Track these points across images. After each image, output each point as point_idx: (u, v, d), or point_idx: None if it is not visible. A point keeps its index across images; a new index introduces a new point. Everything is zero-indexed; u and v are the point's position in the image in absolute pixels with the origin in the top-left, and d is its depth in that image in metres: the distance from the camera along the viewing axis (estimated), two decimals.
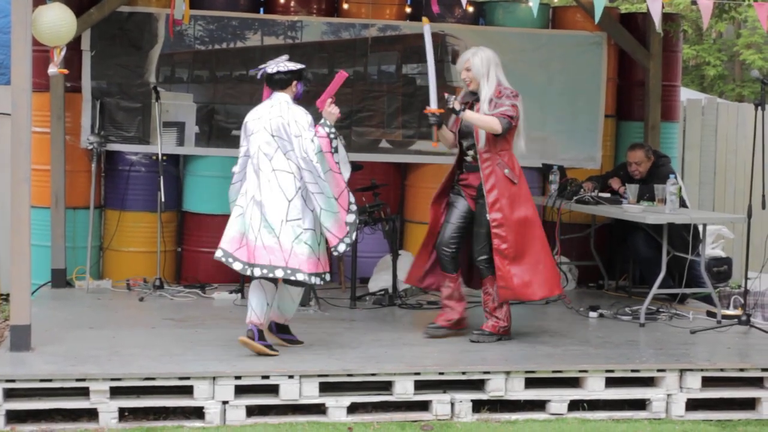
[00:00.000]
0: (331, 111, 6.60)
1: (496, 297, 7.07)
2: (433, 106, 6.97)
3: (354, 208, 6.62)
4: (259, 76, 6.71)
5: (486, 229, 7.00)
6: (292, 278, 6.48)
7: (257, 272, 6.48)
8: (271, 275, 6.47)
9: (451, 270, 7.18)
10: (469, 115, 6.92)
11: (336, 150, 6.56)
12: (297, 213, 6.49)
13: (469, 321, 7.31)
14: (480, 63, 6.98)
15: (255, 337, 6.50)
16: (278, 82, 6.65)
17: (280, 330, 6.84)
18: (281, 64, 6.66)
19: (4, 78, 9.61)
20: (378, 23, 9.36)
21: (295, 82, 6.67)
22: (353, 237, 6.62)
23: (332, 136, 6.54)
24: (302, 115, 6.56)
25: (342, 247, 6.57)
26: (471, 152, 7.11)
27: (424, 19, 7.07)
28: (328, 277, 6.71)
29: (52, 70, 6.72)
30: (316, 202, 6.52)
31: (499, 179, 6.98)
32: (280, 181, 6.50)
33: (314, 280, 6.54)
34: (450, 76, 9.44)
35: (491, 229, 6.97)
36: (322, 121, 6.56)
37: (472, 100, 7.08)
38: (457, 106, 6.89)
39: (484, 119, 6.91)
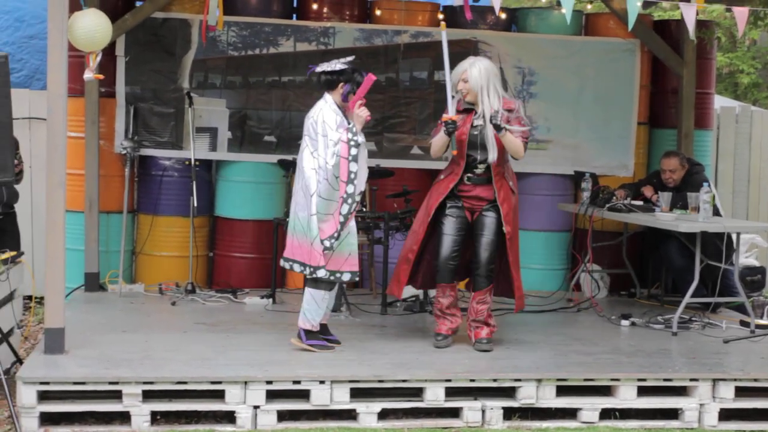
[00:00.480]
0: (360, 114, 6.60)
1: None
2: (451, 113, 6.91)
3: (342, 219, 6.62)
4: (308, 75, 6.74)
5: (497, 238, 6.98)
6: (314, 275, 6.64)
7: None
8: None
9: (451, 280, 7.12)
10: (509, 136, 6.87)
11: (353, 159, 6.55)
12: (316, 209, 6.60)
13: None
14: (478, 74, 6.90)
15: (303, 339, 6.77)
16: (325, 82, 6.71)
17: (310, 336, 6.86)
18: (332, 64, 6.69)
19: (40, 83, 9.71)
20: (410, 29, 9.37)
21: (342, 84, 6.68)
22: (334, 245, 6.62)
23: (352, 143, 6.54)
24: (331, 115, 6.59)
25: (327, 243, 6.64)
26: (483, 165, 7.02)
27: (442, 24, 7.06)
28: (351, 276, 6.77)
29: (88, 75, 6.77)
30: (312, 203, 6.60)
31: (507, 192, 7.00)
32: (308, 179, 6.60)
33: (335, 277, 6.66)
34: None
35: (506, 240, 6.96)
36: (350, 125, 6.58)
37: (464, 108, 6.99)
38: (503, 124, 6.84)
39: (517, 144, 6.91)
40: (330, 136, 6.54)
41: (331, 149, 6.52)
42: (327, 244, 6.60)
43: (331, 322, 7.23)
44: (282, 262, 6.87)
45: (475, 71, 6.90)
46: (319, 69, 6.70)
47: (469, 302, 7.15)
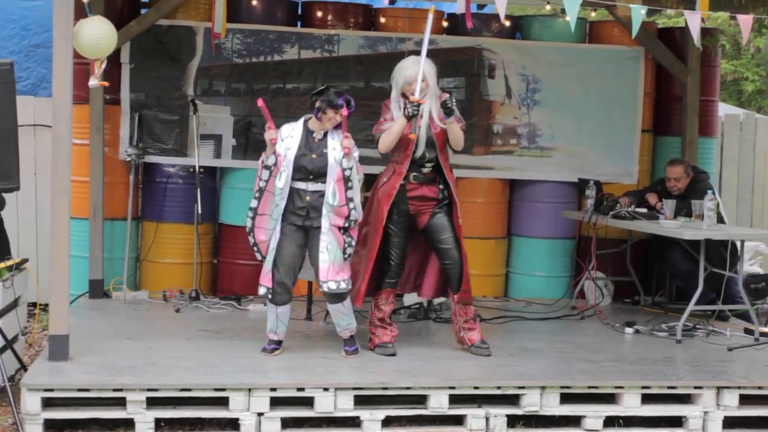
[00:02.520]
0: (266, 137, 6.86)
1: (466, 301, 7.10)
2: (417, 96, 6.85)
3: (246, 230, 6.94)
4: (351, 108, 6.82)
5: (453, 234, 7.01)
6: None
7: None
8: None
9: (396, 285, 7.20)
10: (455, 125, 6.92)
11: (260, 178, 6.93)
12: None
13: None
14: (432, 71, 6.93)
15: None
16: (310, 104, 6.97)
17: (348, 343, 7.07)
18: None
19: (46, 92, 9.72)
20: (415, 37, 9.37)
21: (316, 102, 6.84)
22: (257, 254, 6.97)
23: (264, 163, 6.87)
24: (283, 130, 6.97)
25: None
26: (431, 164, 7.02)
27: (431, 7, 7.02)
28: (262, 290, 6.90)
29: (93, 82, 6.78)
30: None
31: (454, 186, 7.09)
32: None
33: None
34: (486, 90, 9.44)
35: (458, 235, 6.99)
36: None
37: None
38: (455, 109, 6.88)
39: (460, 132, 6.96)
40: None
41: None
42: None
43: (334, 328, 7.23)
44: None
45: (429, 68, 6.90)
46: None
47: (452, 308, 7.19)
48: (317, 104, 6.77)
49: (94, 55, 6.66)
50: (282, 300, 6.83)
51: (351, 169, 6.75)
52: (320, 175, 6.77)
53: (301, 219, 6.81)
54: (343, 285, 6.80)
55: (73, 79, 6.44)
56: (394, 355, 6.98)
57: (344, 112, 6.76)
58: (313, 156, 6.78)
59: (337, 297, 6.83)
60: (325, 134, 6.84)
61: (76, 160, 8.14)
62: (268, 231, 6.87)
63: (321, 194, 6.78)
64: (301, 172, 6.79)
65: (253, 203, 6.90)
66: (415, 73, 6.86)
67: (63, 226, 6.37)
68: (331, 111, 6.76)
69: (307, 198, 6.80)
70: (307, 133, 6.86)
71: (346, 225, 6.80)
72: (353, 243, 6.86)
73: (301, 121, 6.93)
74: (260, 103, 6.80)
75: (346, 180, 6.74)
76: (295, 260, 6.85)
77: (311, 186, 6.80)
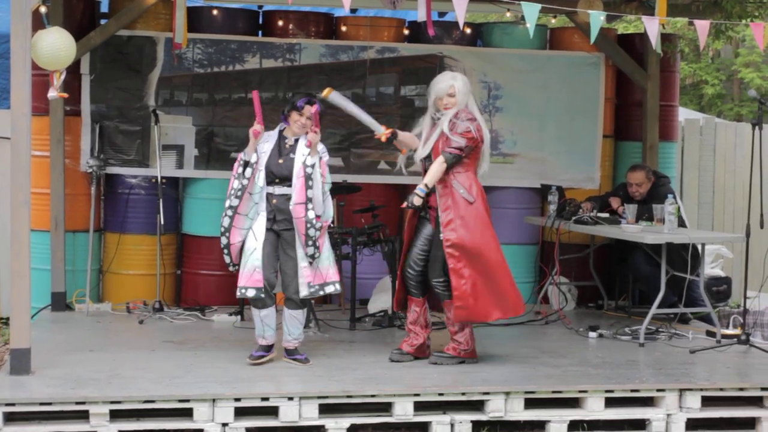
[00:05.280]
0: (252, 138, 6.90)
1: (452, 318, 6.97)
2: (379, 131, 7.08)
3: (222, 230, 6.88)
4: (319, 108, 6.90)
5: (442, 250, 6.91)
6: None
7: None
8: None
9: (417, 294, 7.11)
10: (428, 180, 6.87)
11: (238, 177, 6.86)
12: None
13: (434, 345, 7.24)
14: (463, 87, 6.93)
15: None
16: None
17: (291, 353, 7.00)
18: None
19: (5, 103, 9.64)
20: (376, 45, 9.40)
21: (285, 108, 7.00)
22: (225, 257, 6.93)
23: (242, 161, 6.86)
24: (262, 139, 6.99)
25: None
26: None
27: (326, 90, 7.07)
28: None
29: (52, 94, 6.74)
30: None
31: (455, 200, 6.89)
32: None
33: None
34: None
35: (445, 249, 6.86)
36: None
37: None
38: (416, 201, 6.86)
39: (435, 172, 6.87)
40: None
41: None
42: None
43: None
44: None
45: (460, 84, 6.93)
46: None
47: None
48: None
49: (53, 66, 6.63)
50: (263, 303, 6.82)
51: (313, 166, 6.75)
52: (286, 178, 6.79)
53: (271, 222, 6.84)
54: (305, 291, 6.79)
55: (32, 91, 6.40)
56: (394, 361, 7.01)
57: (313, 109, 6.79)
58: (280, 160, 6.82)
59: (297, 303, 6.83)
60: (297, 140, 6.87)
61: (37, 172, 8.12)
62: (242, 231, 6.85)
63: (288, 197, 6.80)
64: (269, 176, 6.84)
65: (234, 201, 6.81)
66: (448, 86, 6.91)
67: (23, 238, 6.33)
68: (295, 113, 6.83)
69: (274, 201, 6.83)
70: (281, 138, 6.93)
71: (308, 227, 6.74)
72: (317, 247, 6.76)
73: (277, 129, 7.01)
74: (255, 94, 6.81)
75: (307, 178, 6.74)
76: (276, 262, 6.87)
77: (278, 189, 6.84)
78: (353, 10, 10.25)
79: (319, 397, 6.17)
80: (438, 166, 6.88)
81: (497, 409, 6.31)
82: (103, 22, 9.13)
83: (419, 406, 6.27)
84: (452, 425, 6.25)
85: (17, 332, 6.37)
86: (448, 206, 6.90)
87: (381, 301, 8.57)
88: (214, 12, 9.30)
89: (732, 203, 11.21)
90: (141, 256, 9.08)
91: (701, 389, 6.54)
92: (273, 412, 6.13)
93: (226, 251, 6.88)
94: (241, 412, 6.10)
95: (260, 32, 9.59)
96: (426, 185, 6.87)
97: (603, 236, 8.79)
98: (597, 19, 6.96)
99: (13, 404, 5.92)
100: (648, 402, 6.56)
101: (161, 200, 8.62)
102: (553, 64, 9.66)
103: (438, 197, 6.94)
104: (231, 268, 6.94)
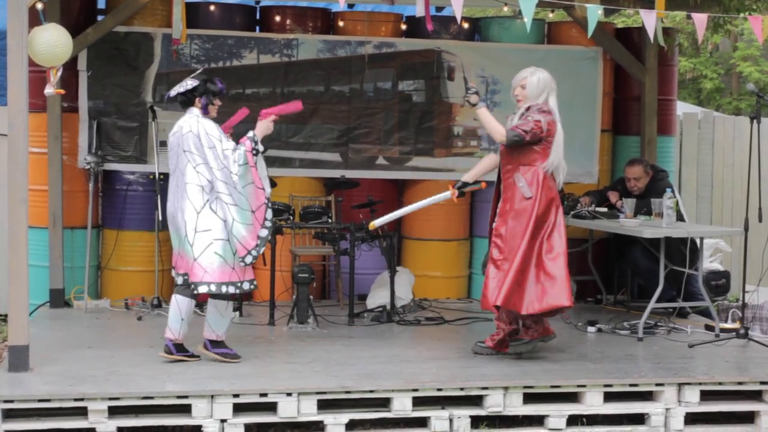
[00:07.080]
0: (268, 126, 6.70)
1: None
2: (447, 197, 7.29)
3: (269, 224, 6.67)
4: (165, 101, 6.79)
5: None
6: (196, 291, 6.64)
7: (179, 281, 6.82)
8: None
9: None
10: (481, 113, 6.92)
11: (255, 166, 6.64)
12: (205, 224, 6.59)
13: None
14: (536, 83, 6.96)
15: (172, 351, 6.71)
16: (183, 103, 6.81)
17: (216, 345, 6.83)
18: (183, 84, 6.76)
19: (2, 100, 9.62)
20: (374, 40, 9.39)
21: (197, 99, 6.75)
22: (261, 250, 6.66)
23: (255, 152, 6.62)
24: (213, 128, 6.67)
25: (249, 259, 6.63)
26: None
27: (371, 224, 7.31)
28: (250, 285, 6.74)
29: (49, 90, 6.74)
30: (228, 212, 6.59)
31: (514, 192, 6.92)
32: (189, 194, 6.61)
33: (227, 289, 6.61)
34: (446, 92, 9.47)
35: (492, 237, 6.97)
36: (251, 134, 6.64)
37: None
38: (473, 100, 6.92)
39: (492, 122, 6.90)
40: (220, 146, 6.59)
41: (231, 158, 6.57)
42: (248, 260, 6.63)
43: (298, 333, 7.22)
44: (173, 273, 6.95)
45: (535, 80, 6.97)
46: (173, 93, 6.78)
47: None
48: (201, 101, 6.75)
49: (50, 62, 6.62)
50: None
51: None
52: None
53: None
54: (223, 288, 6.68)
55: (29, 88, 6.39)
56: (475, 353, 7.14)
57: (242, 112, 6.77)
58: None
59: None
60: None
61: (35, 169, 8.12)
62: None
63: None
64: None
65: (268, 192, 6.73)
66: (521, 78, 7.03)
67: (21, 235, 6.32)
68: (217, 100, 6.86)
69: None
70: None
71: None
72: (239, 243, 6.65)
73: (202, 117, 6.75)
74: (242, 112, 6.79)
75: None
76: None
77: None
78: (351, 5, 10.27)
79: (318, 393, 6.17)
80: (496, 127, 6.89)
81: (496, 403, 6.31)
82: (99, 18, 9.12)
83: (418, 402, 6.27)
84: (451, 420, 6.25)
85: (15, 329, 6.37)
86: (507, 198, 6.96)
87: (379, 296, 8.57)
88: (212, 7, 9.29)
89: (730, 197, 11.21)
90: (139, 253, 9.07)
91: (700, 383, 6.54)
92: (271, 407, 6.14)
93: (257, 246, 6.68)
94: (239, 408, 6.10)
95: (258, 28, 9.58)
96: (479, 119, 6.98)
97: (601, 231, 8.79)
98: (594, 12, 6.96)
99: (11, 401, 5.92)
100: (647, 396, 6.56)
101: (159, 196, 8.60)
102: (551, 59, 9.61)
103: (502, 188, 7.00)
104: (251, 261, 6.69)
